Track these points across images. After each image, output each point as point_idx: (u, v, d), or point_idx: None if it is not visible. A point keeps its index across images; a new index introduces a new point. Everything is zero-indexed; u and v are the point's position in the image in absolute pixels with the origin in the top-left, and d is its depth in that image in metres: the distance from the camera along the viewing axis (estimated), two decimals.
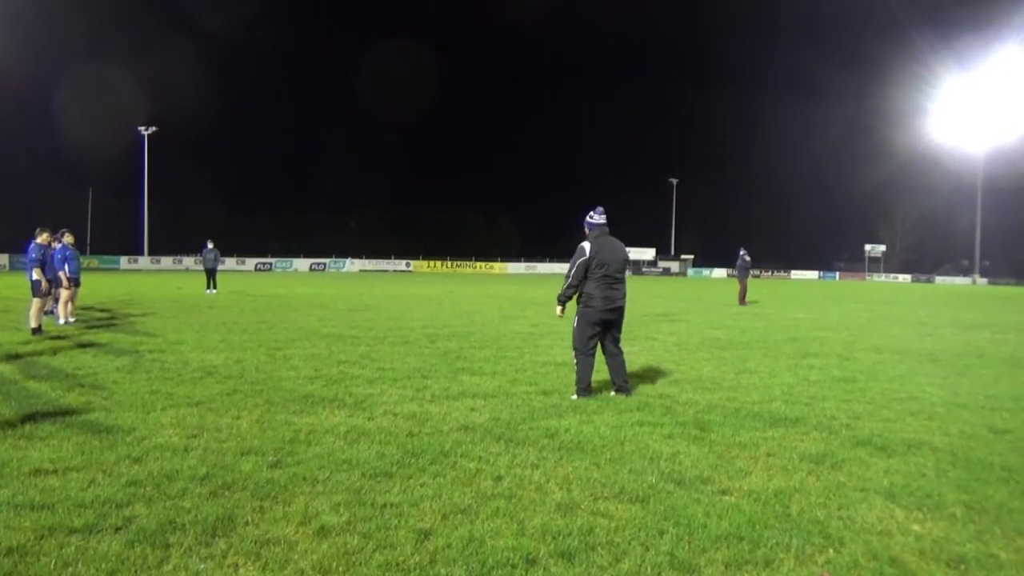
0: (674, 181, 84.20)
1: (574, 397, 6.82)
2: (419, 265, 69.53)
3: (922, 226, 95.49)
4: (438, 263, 70.99)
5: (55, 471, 4.32)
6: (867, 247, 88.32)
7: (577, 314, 6.94)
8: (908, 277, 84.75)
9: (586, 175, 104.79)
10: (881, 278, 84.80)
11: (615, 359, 7.09)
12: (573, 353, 7.01)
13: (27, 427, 5.34)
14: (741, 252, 22.74)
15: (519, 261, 74.78)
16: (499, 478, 4.35)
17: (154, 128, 61.04)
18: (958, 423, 6.20)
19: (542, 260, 75.84)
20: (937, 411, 6.72)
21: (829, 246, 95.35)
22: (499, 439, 5.26)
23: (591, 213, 7.14)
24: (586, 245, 6.86)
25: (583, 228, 7.16)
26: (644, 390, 7.41)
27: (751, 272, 23.38)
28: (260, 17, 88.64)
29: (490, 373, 8.30)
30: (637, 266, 77.27)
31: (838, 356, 10.55)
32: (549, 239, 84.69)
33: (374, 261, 68.25)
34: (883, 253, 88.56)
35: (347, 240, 72.21)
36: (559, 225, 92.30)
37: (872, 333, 14.42)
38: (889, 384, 8.23)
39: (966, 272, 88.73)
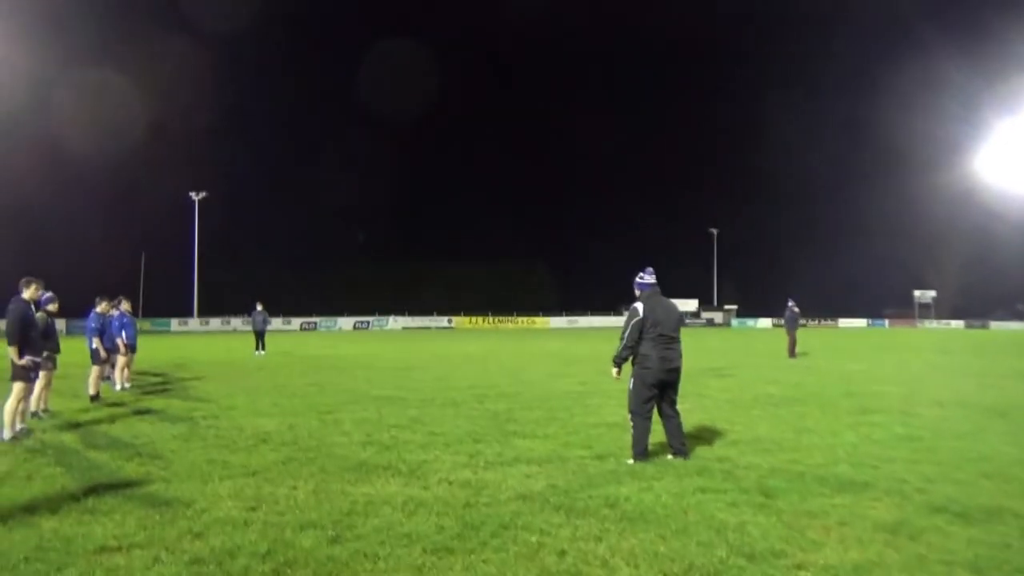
0: (715, 231, 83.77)
1: (631, 462, 6.68)
2: (461, 322, 69.81)
3: (973, 270, 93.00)
4: (479, 319, 71.20)
5: (119, 548, 4.35)
6: (916, 293, 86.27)
7: (633, 375, 6.84)
8: (961, 323, 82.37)
9: (626, 227, 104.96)
10: (932, 324, 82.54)
11: (672, 421, 6.95)
12: (628, 416, 6.89)
13: (91, 501, 5.40)
14: (789, 303, 22.38)
15: (560, 315, 74.62)
16: (563, 553, 4.24)
17: (204, 193, 62.98)
18: None
19: (583, 313, 75.62)
20: (1014, 472, 6.43)
21: (877, 292, 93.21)
22: (558, 509, 5.16)
23: (641, 274, 7.12)
24: (639, 306, 6.81)
25: (634, 290, 7.12)
26: (701, 452, 7.23)
27: (800, 322, 22.89)
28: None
29: (542, 436, 8.20)
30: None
31: (899, 412, 10.21)
32: (590, 293, 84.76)
33: (416, 318, 68.76)
34: (933, 299, 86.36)
35: (389, 295, 72.96)
36: (600, 278, 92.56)
37: (931, 385, 13.97)
38: (957, 442, 7.91)
39: (1021, 316, 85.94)
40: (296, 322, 61.05)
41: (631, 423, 6.84)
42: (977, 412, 10.25)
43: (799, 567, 4.03)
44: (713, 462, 6.78)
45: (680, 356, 6.87)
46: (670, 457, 6.86)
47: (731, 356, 23.38)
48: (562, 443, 7.79)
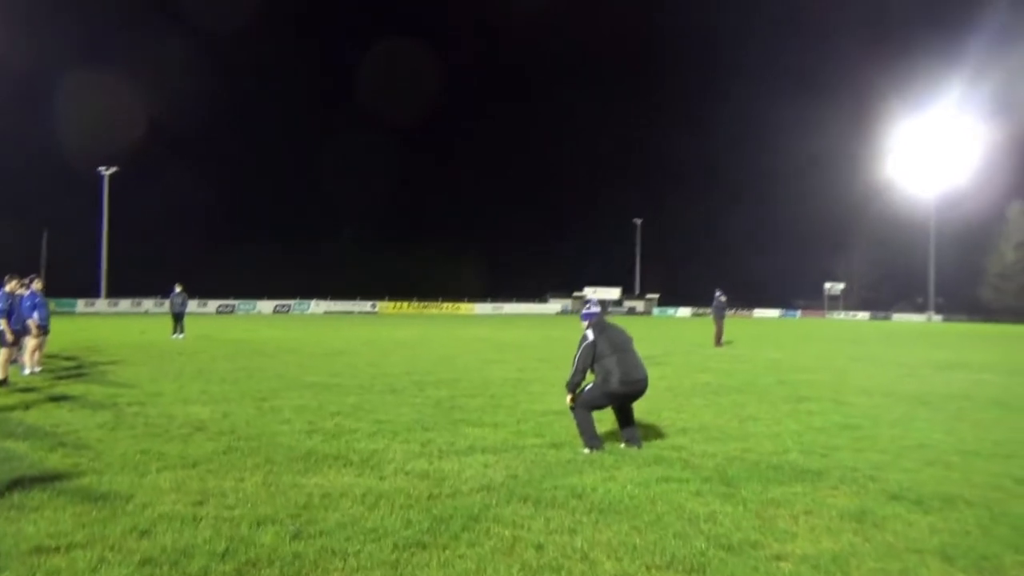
0: (638, 221, 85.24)
1: (586, 451, 6.60)
2: (385, 306, 68.84)
3: (879, 265, 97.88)
4: (404, 304, 70.38)
5: (58, 549, 3.98)
6: (827, 285, 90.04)
7: (593, 384, 6.76)
8: (866, 315, 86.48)
9: (551, 215, 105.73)
10: (840, 316, 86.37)
11: (625, 413, 6.93)
12: (571, 410, 6.84)
13: (16, 496, 4.95)
14: (717, 293, 22.88)
15: (485, 302, 74.52)
16: (540, 547, 4.11)
17: (115, 168, 59.97)
18: (978, 473, 6.13)
19: (508, 300, 75.77)
20: (952, 460, 6.65)
21: (789, 284, 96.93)
22: (525, 500, 5.02)
23: (587, 305, 7.27)
24: (588, 332, 6.81)
25: (583, 321, 7.12)
26: (653, 441, 7.24)
27: (726, 312, 23.45)
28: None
29: (491, 424, 8.06)
30: (604, 306, 77.71)
31: (832, 400, 10.51)
32: (514, 280, 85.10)
33: (339, 302, 67.41)
34: (842, 291, 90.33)
35: (310, 278, 71.26)
36: (525, 265, 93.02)
37: (855, 375, 14.49)
38: (893, 430, 8.17)
39: (921, 309, 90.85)
40: (212, 304, 58.93)
41: (574, 415, 6.80)
42: (903, 401, 10.65)
43: (778, 558, 4.02)
44: (668, 451, 6.78)
45: (645, 372, 6.85)
46: (623, 446, 6.83)
47: (660, 344, 23.76)
48: (513, 431, 7.66)
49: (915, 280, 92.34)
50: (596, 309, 7.20)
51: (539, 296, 79.16)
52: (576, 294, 78.45)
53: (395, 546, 4.07)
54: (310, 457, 6.30)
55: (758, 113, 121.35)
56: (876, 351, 22.49)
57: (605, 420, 7.10)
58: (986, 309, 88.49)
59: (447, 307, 71.34)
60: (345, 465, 6.04)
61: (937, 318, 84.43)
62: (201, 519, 4.53)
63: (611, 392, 6.61)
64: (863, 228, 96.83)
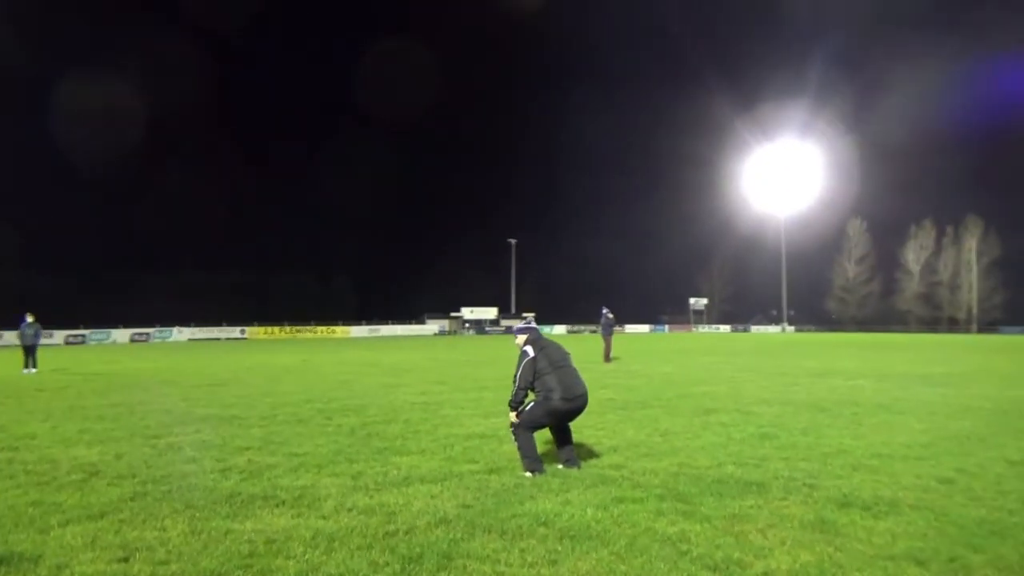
0: (513, 241, 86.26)
1: (528, 475, 6.40)
2: (255, 332, 65.94)
3: (737, 280, 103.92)
4: (275, 329, 67.68)
5: None
6: (691, 300, 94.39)
7: (534, 402, 6.58)
8: (728, 327, 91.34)
9: (425, 235, 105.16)
10: (705, 329, 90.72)
11: (563, 433, 6.81)
12: (512, 432, 6.64)
13: None
14: (604, 310, 23.32)
15: (361, 324, 72.86)
16: None
17: None
18: (902, 475, 6.41)
19: (384, 322, 74.44)
20: (872, 464, 6.95)
21: (655, 300, 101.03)
22: (489, 531, 4.76)
23: (524, 319, 7.17)
24: (528, 348, 6.64)
25: (516, 337, 6.94)
26: (589, 460, 7.14)
27: (614, 328, 23.96)
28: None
29: (418, 452, 7.70)
30: (480, 325, 77.88)
31: (737, 411, 10.83)
32: (388, 302, 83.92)
33: (204, 329, 63.94)
34: (705, 305, 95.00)
35: (169, 305, 67.12)
36: (400, 288, 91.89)
37: (746, 385, 15.07)
38: (806, 438, 8.48)
39: (775, 321, 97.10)
40: (59, 335, 54.24)
41: (513, 438, 6.60)
42: (801, 408, 11.13)
43: (766, 574, 3.97)
44: (608, 470, 6.70)
45: (584, 384, 6.74)
46: (561, 467, 6.68)
47: None
48: (444, 458, 7.35)
49: (769, 294, 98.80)
50: (533, 324, 7.03)
51: (416, 317, 78.33)
52: (454, 314, 78.28)
53: None
54: (234, 499, 5.74)
55: (626, 140, 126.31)
56: (753, 362, 23.62)
57: (538, 439, 6.92)
58: (832, 319, 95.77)
59: (321, 331, 69.19)
60: (277, 505, 5.55)
61: (790, 329, 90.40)
62: None
63: (553, 410, 6.46)
64: (722, 246, 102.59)
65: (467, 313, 78.34)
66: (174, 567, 4.17)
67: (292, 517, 5.22)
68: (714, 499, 5.55)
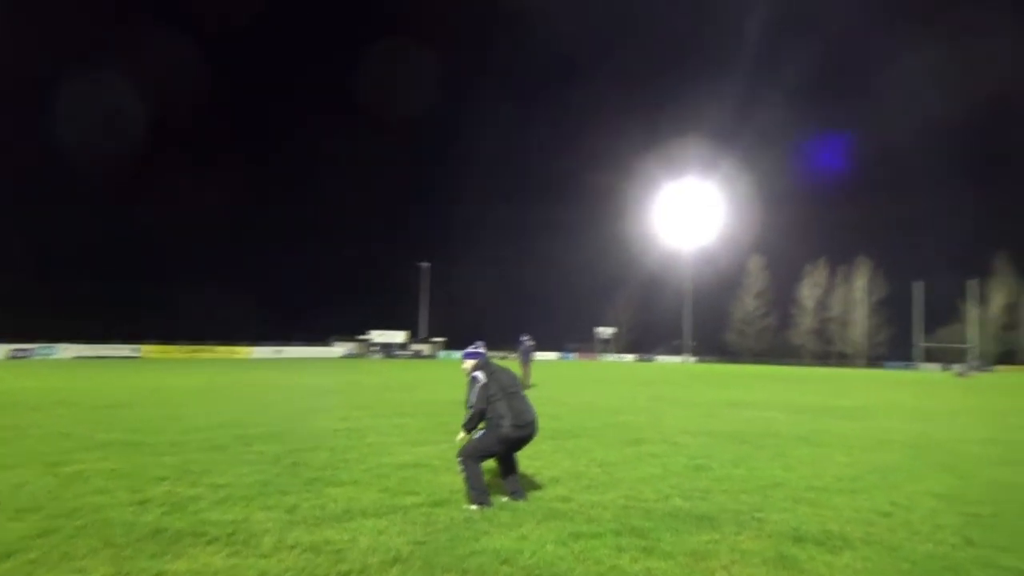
0: (424, 265, 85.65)
1: (474, 507, 6.16)
2: (150, 350, 62.65)
3: (642, 311, 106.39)
4: (172, 348, 64.52)
5: None
6: (598, 329, 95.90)
7: (485, 429, 6.37)
8: (632, 357, 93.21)
9: (331, 256, 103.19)
10: (611, 358, 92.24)
11: (509, 463, 6.61)
12: (458, 460, 6.39)
13: None
14: (523, 337, 23.27)
15: (264, 345, 70.38)
16: None
17: None
18: (841, 509, 6.52)
19: (289, 343, 72.17)
20: (810, 496, 7.04)
21: (562, 328, 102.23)
22: (448, 571, 4.51)
23: (474, 344, 6.92)
24: (479, 374, 6.49)
25: (464, 362, 6.77)
26: (532, 493, 6.95)
27: (533, 356, 23.92)
28: None
29: (351, 482, 7.32)
30: (389, 349, 76.63)
31: (665, 442, 10.86)
32: (292, 321, 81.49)
33: (94, 346, 60.27)
34: (612, 335, 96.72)
35: (54, 320, 62.93)
36: (303, 307, 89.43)
37: (666, 415, 15.22)
38: (738, 469, 8.55)
39: (678, 351, 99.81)
40: None
41: (461, 468, 6.35)
42: (725, 439, 11.28)
43: None
44: (556, 503, 6.54)
45: (534, 411, 6.57)
46: (506, 499, 6.48)
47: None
48: (380, 489, 7.01)
49: (672, 325, 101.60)
50: (482, 350, 6.83)
51: (322, 339, 76.37)
52: (361, 337, 76.76)
53: None
54: (159, 535, 5.26)
55: (542, 169, 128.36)
56: (666, 392, 24.04)
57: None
58: (731, 351, 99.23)
59: (222, 350, 66.46)
60: (209, 543, 5.11)
61: (692, 359, 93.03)
62: None
63: (504, 437, 6.27)
64: (629, 278, 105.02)
65: (375, 336, 76.99)
66: None
67: (228, 556, 4.81)
68: (671, 534, 5.46)
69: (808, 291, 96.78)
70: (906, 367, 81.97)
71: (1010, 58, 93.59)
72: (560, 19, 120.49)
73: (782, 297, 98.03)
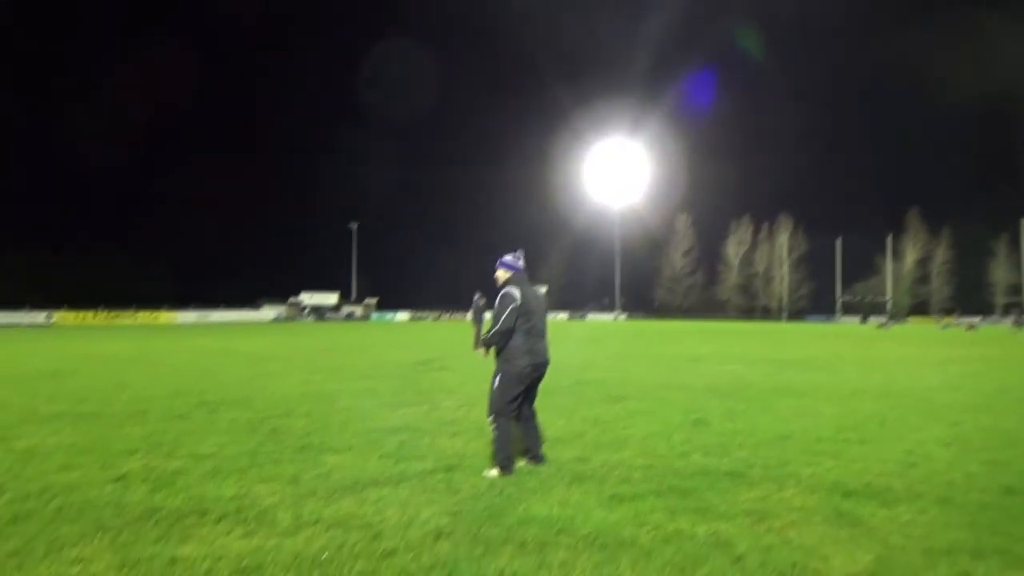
0: (354, 226, 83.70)
1: (494, 473, 5.72)
2: (64, 317, 59.44)
3: (573, 269, 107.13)
4: (88, 314, 61.36)
5: None
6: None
7: (498, 372, 5.90)
8: (565, 314, 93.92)
9: (261, 215, 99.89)
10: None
11: (530, 423, 6.16)
12: (490, 419, 5.90)
13: None
14: (476, 296, 22.75)
15: (188, 310, 67.68)
16: None
17: None
18: (865, 460, 6.36)
19: (214, 307, 69.59)
20: (824, 448, 6.88)
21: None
22: (504, 544, 4.07)
23: (513, 255, 6.26)
24: (515, 291, 5.90)
25: (497, 269, 6.19)
26: (545, 455, 6.55)
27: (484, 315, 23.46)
28: None
29: (346, 449, 6.79)
30: (321, 312, 74.92)
31: (647, 398, 10.63)
32: (215, 284, 78.69)
33: (3, 313, 56.73)
34: (545, 292, 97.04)
35: None
36: (227, 269, 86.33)
37: (633, 372, 15.06)
38: (736, 423, 8.38)
39: (608, 308, 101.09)
40: None
41: (492, 427, 5.87)
42: (703, 394, 11.12)
43: None
44: (573, 464, 6.18)
45: (548, 350, 6.10)
46: (523, 462, 6.07)
47: (425, 349, 23.12)
48: (381, 456, 6.50)
49: (602, 283, 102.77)
50: (522, 263, 6.26)
51: (251, 303, 73.98)
52: (292, 300, 74.75)
53: None
54: (155, 515, 4.64)
55: (471, 130, 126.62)
56: (619, 348, 24.06)
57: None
58: (659, 307, 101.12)
59: (143, 316, 63.60)
60: (217, 521, 4.53)
61: (623, 316, 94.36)
62: None
63: (522, 376, 5.80)
64: (561, 236, 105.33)
65: (306, 298, 75.09)
66: None
67: (244, 536, 4.25)
68: (714, 494, 5.16)
69: (733, 248, 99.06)
70: (826, 320, 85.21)
71: (933, 15, 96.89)
72: None
73: (708, 254, 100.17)
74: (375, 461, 6.29)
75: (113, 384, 12.33)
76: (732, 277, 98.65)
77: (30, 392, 11.21)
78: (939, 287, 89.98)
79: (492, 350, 6.04)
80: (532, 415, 6.18)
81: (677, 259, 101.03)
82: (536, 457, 6.11)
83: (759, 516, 4.63)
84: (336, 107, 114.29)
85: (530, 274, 6.38)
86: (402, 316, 79.22)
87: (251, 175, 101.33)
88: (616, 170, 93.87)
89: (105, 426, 8.08)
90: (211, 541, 4.16)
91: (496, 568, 3.69)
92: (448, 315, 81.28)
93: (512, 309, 5.80)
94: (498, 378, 5.89)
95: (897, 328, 59.39)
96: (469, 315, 23.80)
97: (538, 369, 5.94)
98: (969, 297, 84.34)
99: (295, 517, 4.60)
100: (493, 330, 5.85)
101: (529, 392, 6.03)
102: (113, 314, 62.65)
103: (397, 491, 5.25)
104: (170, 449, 6.78)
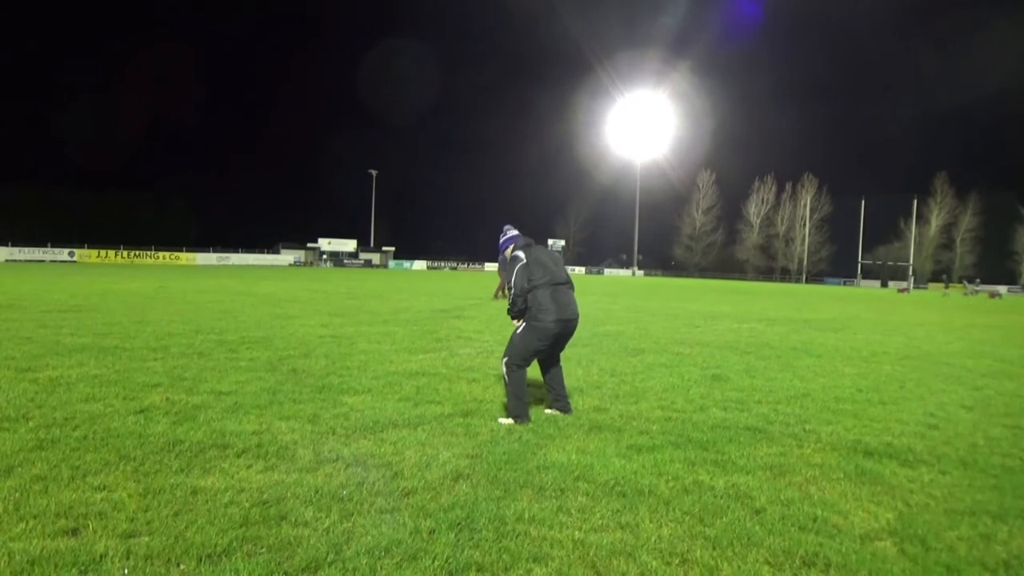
0: (374, 172, 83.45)
1: (508, 421, 5.71)
2: (86, 254, 60.09)
3: (591, 224, 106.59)
4: (110, 252, 62.01)
5: None
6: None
7: (525, 323, 5.84)
8: (582, 269, 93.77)
9: (280, 163, 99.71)
10: None
11: (555, 372, 6.14)
12: (504, 365, 5.86)
13: None
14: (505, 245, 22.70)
15: (208, 251, 68.20)
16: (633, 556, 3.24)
17: None
18: (885, 421, 6.32)
19: (233, 251, 70.06)
20: (844, 408, 6.84)
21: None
22: (523, 487, 4.08)
23: (504, 230, 6.39)
24: (519, 253, 5.86)
25: (502, 250, 6.23)
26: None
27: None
28: None
29: (365, 391, 6.81)
30: (338, 257, 75.23)
31: (666, 352, 10.61)
32: (237, 227, 79.04)
33: (24, 249, 57.41)
34: (562, 247, 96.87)
35: None
36: (249, 213, 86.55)
37: (652, 327, 15.01)
38: (755, 380, 8.33)
39: (625, 264, 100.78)
40: None
41: (506, 374, 5.84)
42: (723, 350, 11.08)
43: (873, 537, 3.57)
44: (591, 413, 6.17)
45: (576, 305, 6.02)
46: (548, 412, 6.06)
47: (443, 298, 23.18)
48: (400, 399, 6.52)
49: (621, 239, 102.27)
50: (515, 231, 6.31)
51: (270, 246, 74.38)
52: (311, 245, 75.07)
53: (448, 572, 2.96)
54: (177, 448, 4.68)
55: (493, 88, 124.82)
56: (637, 303, 23.97)
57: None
58: (677, 265, 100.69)
59: (164, 256, 64.18)
60: (238, 455, 4.57)
61: (640, 273, 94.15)
62: (102, 565, 2.98)
63: (547, 332, 5.71)
64: (581, 191, 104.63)
65: (324, 244, 75.35)
66: (152, 542, 3.20)
67: (264, 470, 4.29)
68: (733, 447, 5.14)
69: (755, 207, 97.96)
70: (844, 283, 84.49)
71: None
72: None
73: (729, 213, 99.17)
74: (393, 403, 6.31)
75: (134, 320, 12.45)
76: (752, 237, 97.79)
77: (54, 325, 11.34)
78: (962, 254, 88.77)
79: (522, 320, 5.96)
80: (558, 363, 6.16)
81: (698, 216, 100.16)
82: (562, 407, 6.10)
83: (779, 471, 4.61)
84: (363, 49, 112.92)
85: (549, 230, 6.32)
86: (419, 265, 79.37)
87: (276, 121, 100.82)
88: (641, 124, 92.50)
89: (127, 360, 8.16)
90: (232, 474, 4.20)
91: (515, 511, 3.69)
92: (465, 265, 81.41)
93: (520, 268, 5.74)
94: (522, 327, 5.83)
95: (917, 293, 58.79)
96: (497, 266, 23.77)
97: (566, 325, 5.82)
98: (992, 266, 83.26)
99: (315, 454, 4.63)
100: (512, 296, 5.79)
101: (554, 349, 5.99)
102: (135, 253, 63.26)
103: (416, 433, 5.27)
104: (191, 384, 6.84)
